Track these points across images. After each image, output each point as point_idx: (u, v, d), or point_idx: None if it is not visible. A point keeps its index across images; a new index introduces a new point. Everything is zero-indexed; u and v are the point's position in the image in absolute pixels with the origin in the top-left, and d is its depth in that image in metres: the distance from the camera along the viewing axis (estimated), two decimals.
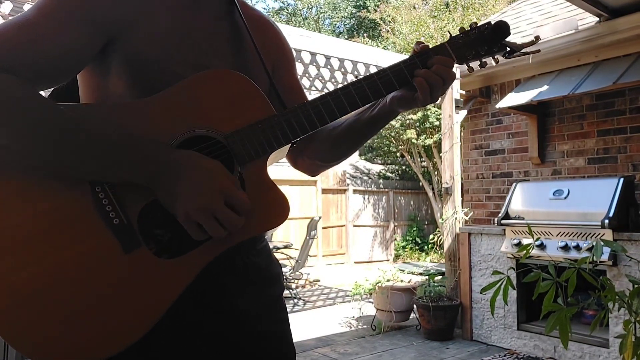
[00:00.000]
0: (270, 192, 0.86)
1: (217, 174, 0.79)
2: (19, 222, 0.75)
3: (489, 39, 0.92)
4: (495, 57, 0.95)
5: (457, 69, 4.62)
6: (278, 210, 0.86)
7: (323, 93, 0.90)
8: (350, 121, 1.01)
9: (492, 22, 0.93)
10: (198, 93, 0.85)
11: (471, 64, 0.95)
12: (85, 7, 0.80)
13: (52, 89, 0.95)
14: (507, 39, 0.93)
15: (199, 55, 0.89)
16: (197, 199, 0.77)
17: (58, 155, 0.76)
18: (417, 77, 0.89)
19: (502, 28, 0.92)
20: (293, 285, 6.97)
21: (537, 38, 0.94)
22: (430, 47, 0.93)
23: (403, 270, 5.73)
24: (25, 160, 0.76)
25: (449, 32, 0.98)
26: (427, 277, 4.68)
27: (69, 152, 0.76)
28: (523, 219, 3.87)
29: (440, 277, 4.65)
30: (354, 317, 5.28)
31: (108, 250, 0.77)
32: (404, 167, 12.66)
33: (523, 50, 0.93)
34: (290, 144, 0.91)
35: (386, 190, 11.88)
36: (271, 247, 1.07)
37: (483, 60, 0.95)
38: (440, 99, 4.77)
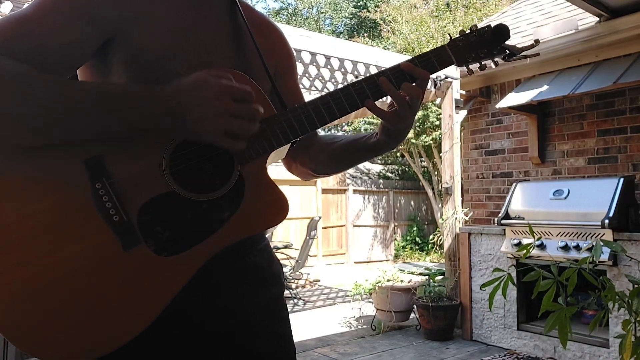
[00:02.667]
0: (269, 191, 0.87)
1: (207, 81, 0.79)
2: (19, 219, 0.75)
3: (488, 42, 0.92)
4: (495, 60, 0.96)
5: (457, 69, 4.62)
6: (277, 208, 0.86)
7: (323, 93, 0.91)
8: (348, 141, 1.03)
9: (492, 25, 0.93)
10: None
11: (471, 67, 0.95)
12: (85, 5, 0.80)
13: None
14: (507, 42, 0.93)
15: (201, 54, 0.89)
16: (208, 110, 0.77)
17: (65, 115, 0.75)
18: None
19: (502, 31, 0.92)
20: (293, 285, 6.97)
21: (537, 42, 0.94)
22: (430, 49, 0.93)
23: (403, 270, 5.74)
24: (29, 131, 0.75)
25: (449, 34, 0.98)
26: (427, 276, 4.68)
27: (73, 110, 0.76)
28: (523, 219, 3.87)
29: (441, 277, 4.65)
30: (354, 317, 5.28)
31: (108, 248, 0.77)
32: (404, 167, 12.66)
33: (523, 54, 0.93)
34: (290, 144, 0.92)
35: (386, 190, 11.89)
36: (271, 247, 1.08)
37: (483, 62, 0.95)
38: (439, 99, 4.78)
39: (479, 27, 0.93)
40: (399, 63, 0.91)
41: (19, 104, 0.73)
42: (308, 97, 0.98)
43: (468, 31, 0.93)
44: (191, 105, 0.77)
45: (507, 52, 0.93)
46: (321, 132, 0.94)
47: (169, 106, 0.78)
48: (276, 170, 0.90)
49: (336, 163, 1.08)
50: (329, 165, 1.08)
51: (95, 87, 0.81)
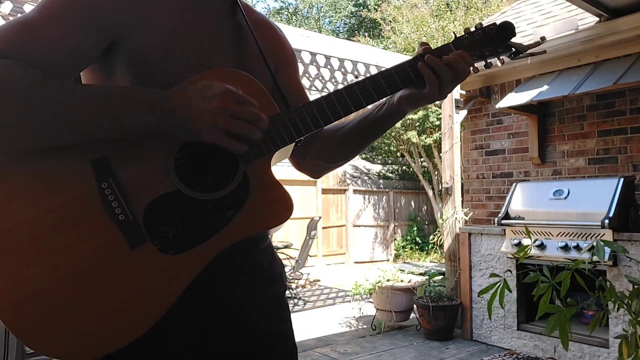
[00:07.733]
0: (274, 190, 0.87)
1: (212, 84, 0.80)
2: (26, 219, 0.75)
3: (493, 39, 0.92)
4: (501, 57, 0.95)
5: None
6: (282, 207, 0.86)
7: (323, 93, 0.91)
8: (356, 122, 1.02)
9: (497, 23, 0.92)
10: None
11: (476, 65, 0.95)
12: (87, 10, 0.81)
13: None
14: (512, 40, 0.93)
15: (202, 55, 0.89)
16: (209, 109, 0.77)
17: (70, 120, 0.76)
18: (427, 70, 0.89)
19: (507, 28, 0.91)
20: (293, 285, 6.97)
21: (543, 39, 0.94)
22: (434, 47, 0.93)
23: (403, 270, 5.73)
24: (37, 136, 0.76)
25: (453, 32, 0.98)
26: (427, 277, 4.68)
27: (78, 112, 0.76)
28: (523, 219, 3.88)
29: (441, 277, 4.64)
30: (354, 317, 5.29)
31: (114, 247, 0.78)
32: (404, 167, 12.66)
33: (529, 51, 0.92)
34: (294, 143, 0.92)
35: (386, 190, 11.89)
36: (273, 246, 1.08)
37: (488, 60, 0.95)
38: None
39: (484, 24, 0.93)
40: (403, 62, 0.91)
41: (25, 111, 0.74)
42: (309, 97, 0.98)
43: (473, 29, 0.93)
44: (192, 105, 0.78)
45: (513, 49, 0.92)
46: None
47: (170, 105, 0.78)
48: (276, 170, 0.90)
49: (348, 146, 1.05)
50: (341, 151, 1.06)
51: (98, 89, 0.82)
